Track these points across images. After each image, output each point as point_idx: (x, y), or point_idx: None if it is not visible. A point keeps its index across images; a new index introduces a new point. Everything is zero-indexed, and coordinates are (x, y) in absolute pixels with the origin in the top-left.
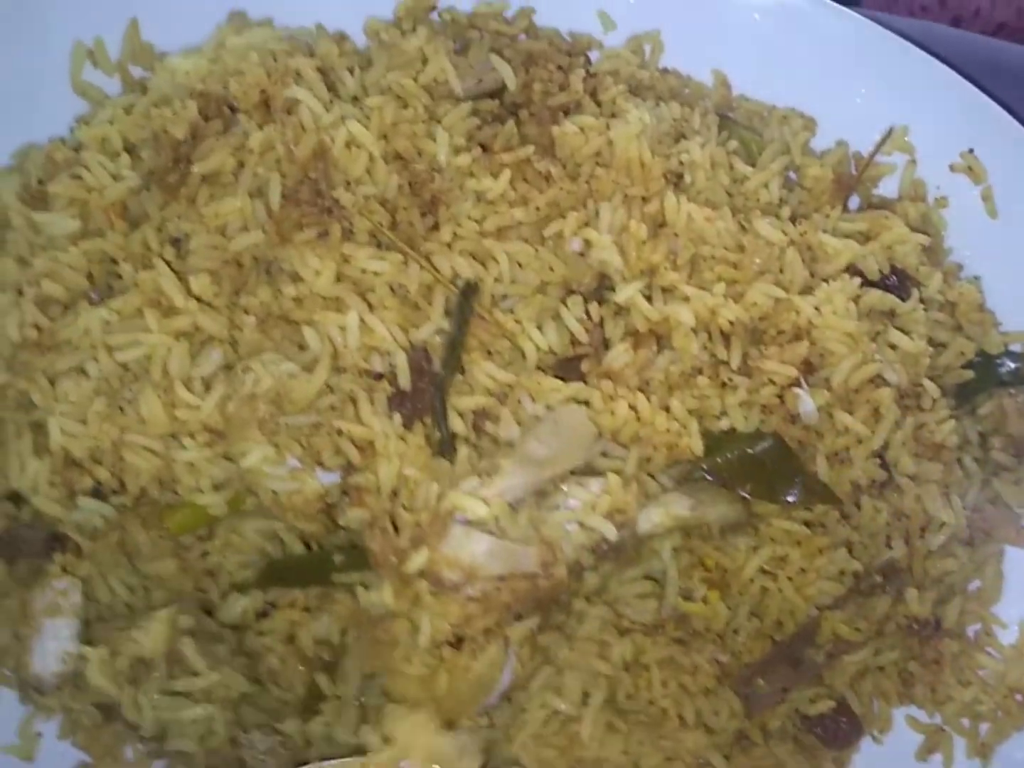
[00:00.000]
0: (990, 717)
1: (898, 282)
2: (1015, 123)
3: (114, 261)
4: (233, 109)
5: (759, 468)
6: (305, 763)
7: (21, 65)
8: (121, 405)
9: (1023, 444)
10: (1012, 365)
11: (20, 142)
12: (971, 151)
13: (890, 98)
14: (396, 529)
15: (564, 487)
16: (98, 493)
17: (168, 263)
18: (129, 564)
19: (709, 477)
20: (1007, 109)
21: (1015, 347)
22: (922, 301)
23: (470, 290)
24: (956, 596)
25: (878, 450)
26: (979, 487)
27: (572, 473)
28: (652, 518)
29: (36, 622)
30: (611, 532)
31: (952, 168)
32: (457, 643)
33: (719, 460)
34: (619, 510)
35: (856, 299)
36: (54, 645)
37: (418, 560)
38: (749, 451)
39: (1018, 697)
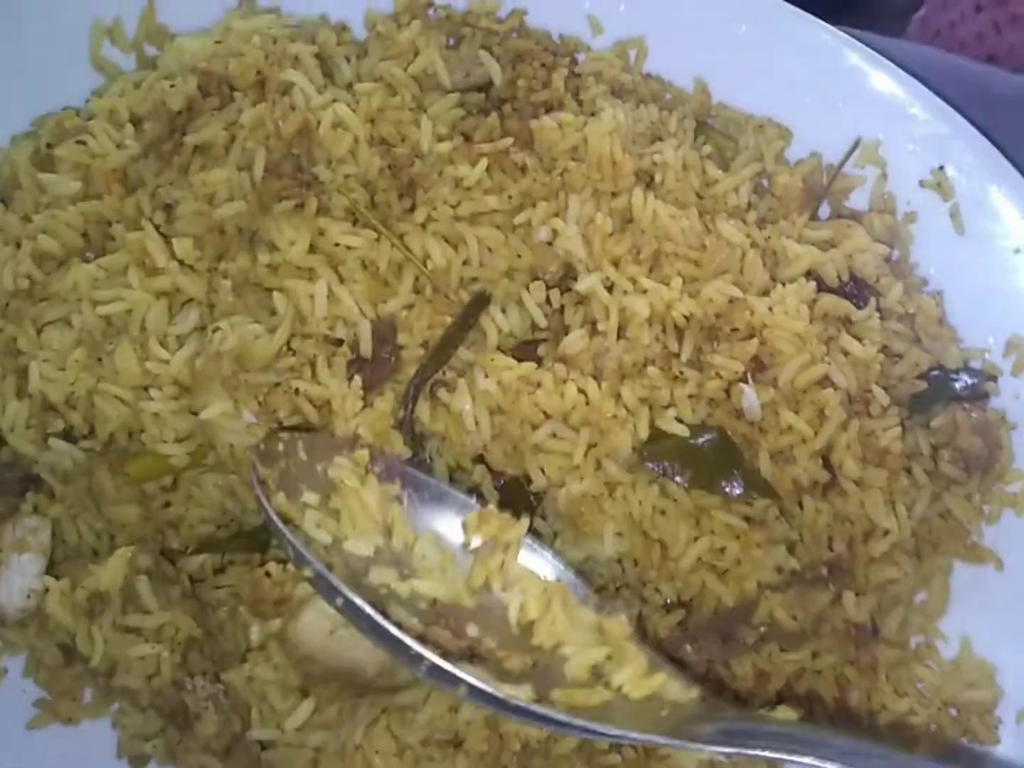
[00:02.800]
0: (923, 729)
1: (856, 290)
2: (987, 143)
3: (109, 223)
4: (233, 89)
5: (699, 458)
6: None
7: (44, 40)
8: (100, 356)
9: (973, 459)
10: (969, 380)
11: (40, 111)
12: (941, 168)
13: (866, 113)
14: None
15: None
16: (70, 437)
17: (157, 227)
18: (96, 509)
19: (650, 464)
20: (985, 132)
21: (974, 364)
22: (880, 311)
23: (482, 300)
24: (899, 606)
25: (822, 451)
26: (928, 499)
27: None
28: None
29: (4, 556)
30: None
31: (922, 184)
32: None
33: (660, 447)
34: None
35: (812, 303)
36: (20, 580)
37: (270, 627)
38: (691, 441)
39: (952, 711)
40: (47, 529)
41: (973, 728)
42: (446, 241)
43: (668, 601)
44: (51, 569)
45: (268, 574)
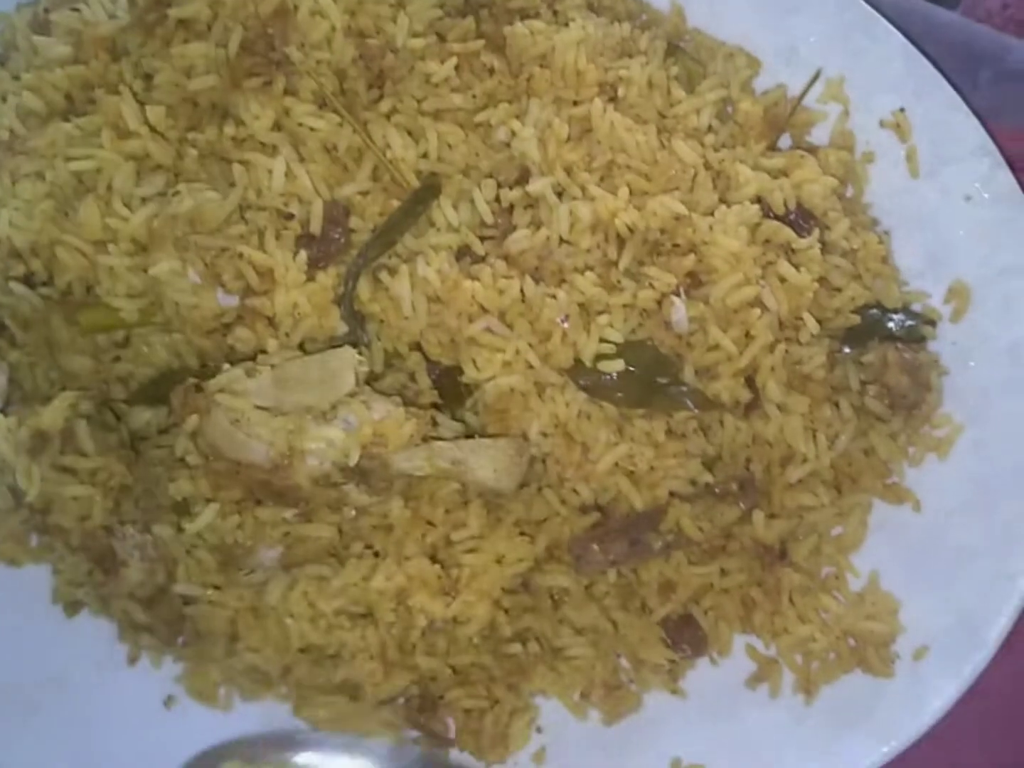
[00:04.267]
0: (821, 656)
1: (801, 220)
2: (951, 91)
3: (93, 88)
4: None
5: (632, 379)
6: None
7: None
8: (67, 211)
9: (899, 397)
10: (906, 321)
11: None
12: (902, 110)
13: (835, 51)
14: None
15: (356, 402)
16: (30, 283)
17: (135, 94)
18: (52, 359)
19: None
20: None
21: (916, 307)
22: (824, 243)
23: (432, 189)
24: (813, 535)
25: (747, 371)
26: (853, 433)
27: (374, 390)
28: (413, 459)
29: None
30: (352, 457)
31: (881, 124)
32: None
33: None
34: (378, 441)
35: (755, 227)
36: None
37: (188, 424)
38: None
39: (851, 641)
40: (4, 373)
41: (868, 659)
42: (408, 134)
43: (585, 503)
44: (6, 412)
45: (199, 388)
